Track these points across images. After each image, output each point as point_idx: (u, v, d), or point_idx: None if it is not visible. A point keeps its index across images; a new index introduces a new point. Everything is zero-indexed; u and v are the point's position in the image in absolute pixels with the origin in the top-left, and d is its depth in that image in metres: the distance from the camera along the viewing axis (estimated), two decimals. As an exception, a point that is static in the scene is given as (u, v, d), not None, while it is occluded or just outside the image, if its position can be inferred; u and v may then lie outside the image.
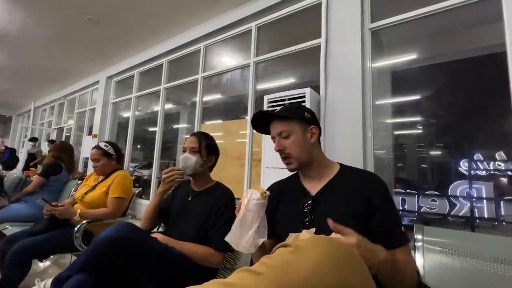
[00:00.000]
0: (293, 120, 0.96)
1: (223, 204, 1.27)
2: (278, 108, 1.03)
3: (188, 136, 1.44)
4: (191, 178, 1.43)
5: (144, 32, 4.10)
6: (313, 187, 0.94)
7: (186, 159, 1.33)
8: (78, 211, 1.73)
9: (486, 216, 2.10)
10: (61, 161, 2.51)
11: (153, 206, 1.35)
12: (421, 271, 0.91)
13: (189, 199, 1.37)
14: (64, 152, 2.55)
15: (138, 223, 1.28)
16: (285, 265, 0.49)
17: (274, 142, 0.99)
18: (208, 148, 1.39)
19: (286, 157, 0.96)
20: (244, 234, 0.82)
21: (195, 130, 3.59)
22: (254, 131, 1.10)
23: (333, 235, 0.68)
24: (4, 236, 1.84)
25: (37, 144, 6.77)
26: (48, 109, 8.58)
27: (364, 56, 2.27)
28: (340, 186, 0.91)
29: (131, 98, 5.07)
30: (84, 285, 0.99)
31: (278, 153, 0.98)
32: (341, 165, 0.99)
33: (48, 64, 5.64)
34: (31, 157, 6.53)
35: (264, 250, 0.89)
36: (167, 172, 1.30)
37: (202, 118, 3.78)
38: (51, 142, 5.99)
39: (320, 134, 1.00)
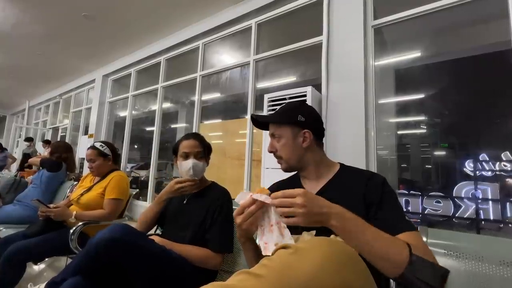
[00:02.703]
0: (283, 124, 0.94)
1: (220, 205, 1.25)
2: (278, 107, 1.02)
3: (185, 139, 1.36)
4: None
5: (141, 29, 4.04)
6: (313, 188, 0.92)
7: (197, 166, 1.27)
8: (74, 212, 1.70)
9: (491, 217, 2.07)
10: (64, 161, 2.47)
11: (154, 214, 1.30)
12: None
13: (185, 202, 1.33)
14: (69, 153, 2.53)
15: (134, 225, 1.24)
16: (286, 267, 0.48)
17: None
18: (208, 149, 1.37)
19: (277, 158, 0.97)
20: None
21: (194, 130, 3.54)
22: (254, 130, 1.08)
23: (333, 236, 0.65)
24: (-2, 239, 1.80)
25: (32, 144, 6.67)
26: (43, 108, 8.48)
27: (366, 54, 2.24)
28: (338, 186, 0.89)
29: (128, 97, 5.01)
30: None
31: None
32: (341, 165, 0.97)
33: (43, 62, 5.56)
34: (26, 157, 6.43)
35: (259, 253, 0.85)
36: (182, 181, 1.23)
37: (200, 117, 3.73)
38: (46, 142, 5.89)
39: (320, 136, 0.97)
